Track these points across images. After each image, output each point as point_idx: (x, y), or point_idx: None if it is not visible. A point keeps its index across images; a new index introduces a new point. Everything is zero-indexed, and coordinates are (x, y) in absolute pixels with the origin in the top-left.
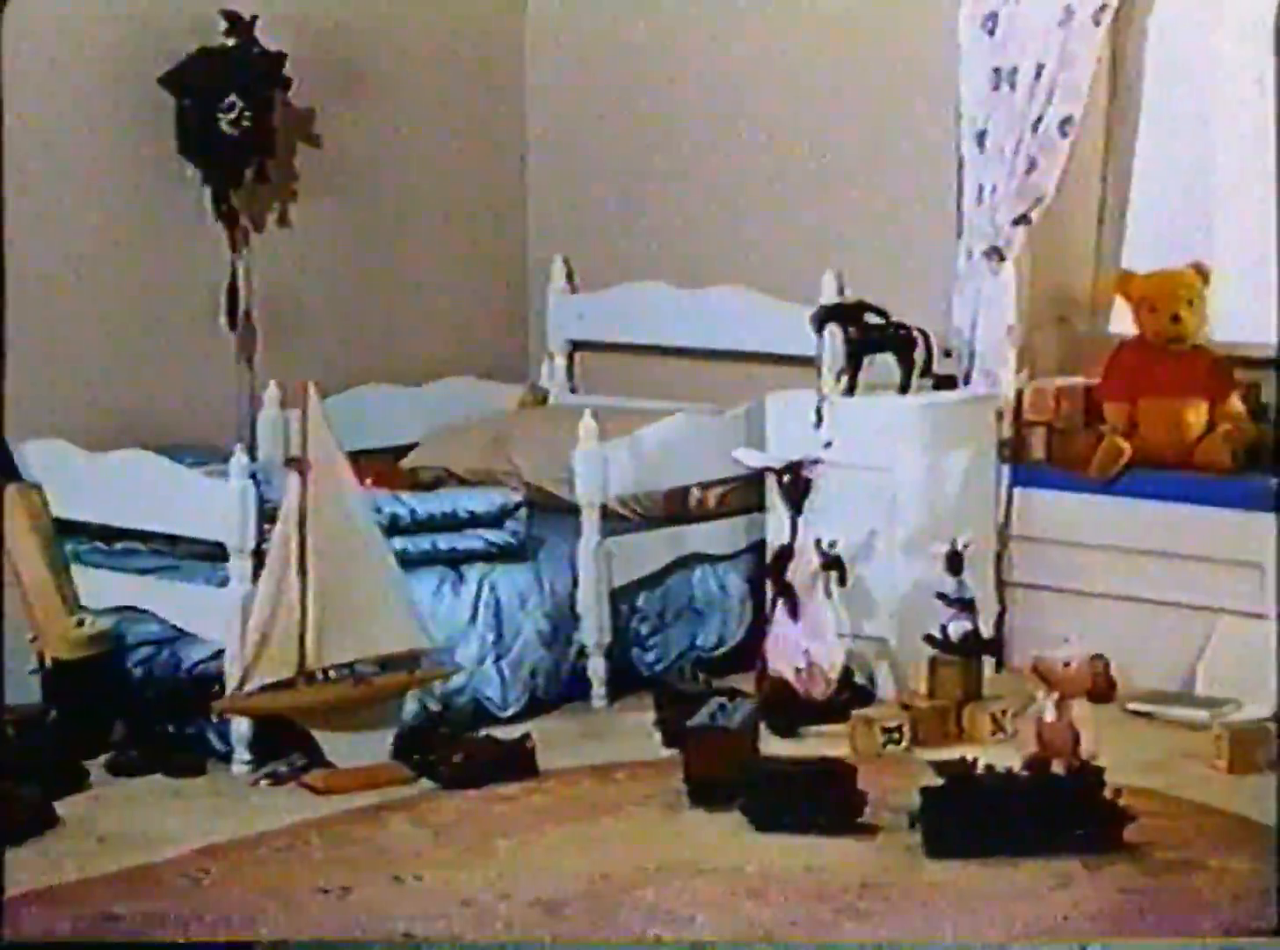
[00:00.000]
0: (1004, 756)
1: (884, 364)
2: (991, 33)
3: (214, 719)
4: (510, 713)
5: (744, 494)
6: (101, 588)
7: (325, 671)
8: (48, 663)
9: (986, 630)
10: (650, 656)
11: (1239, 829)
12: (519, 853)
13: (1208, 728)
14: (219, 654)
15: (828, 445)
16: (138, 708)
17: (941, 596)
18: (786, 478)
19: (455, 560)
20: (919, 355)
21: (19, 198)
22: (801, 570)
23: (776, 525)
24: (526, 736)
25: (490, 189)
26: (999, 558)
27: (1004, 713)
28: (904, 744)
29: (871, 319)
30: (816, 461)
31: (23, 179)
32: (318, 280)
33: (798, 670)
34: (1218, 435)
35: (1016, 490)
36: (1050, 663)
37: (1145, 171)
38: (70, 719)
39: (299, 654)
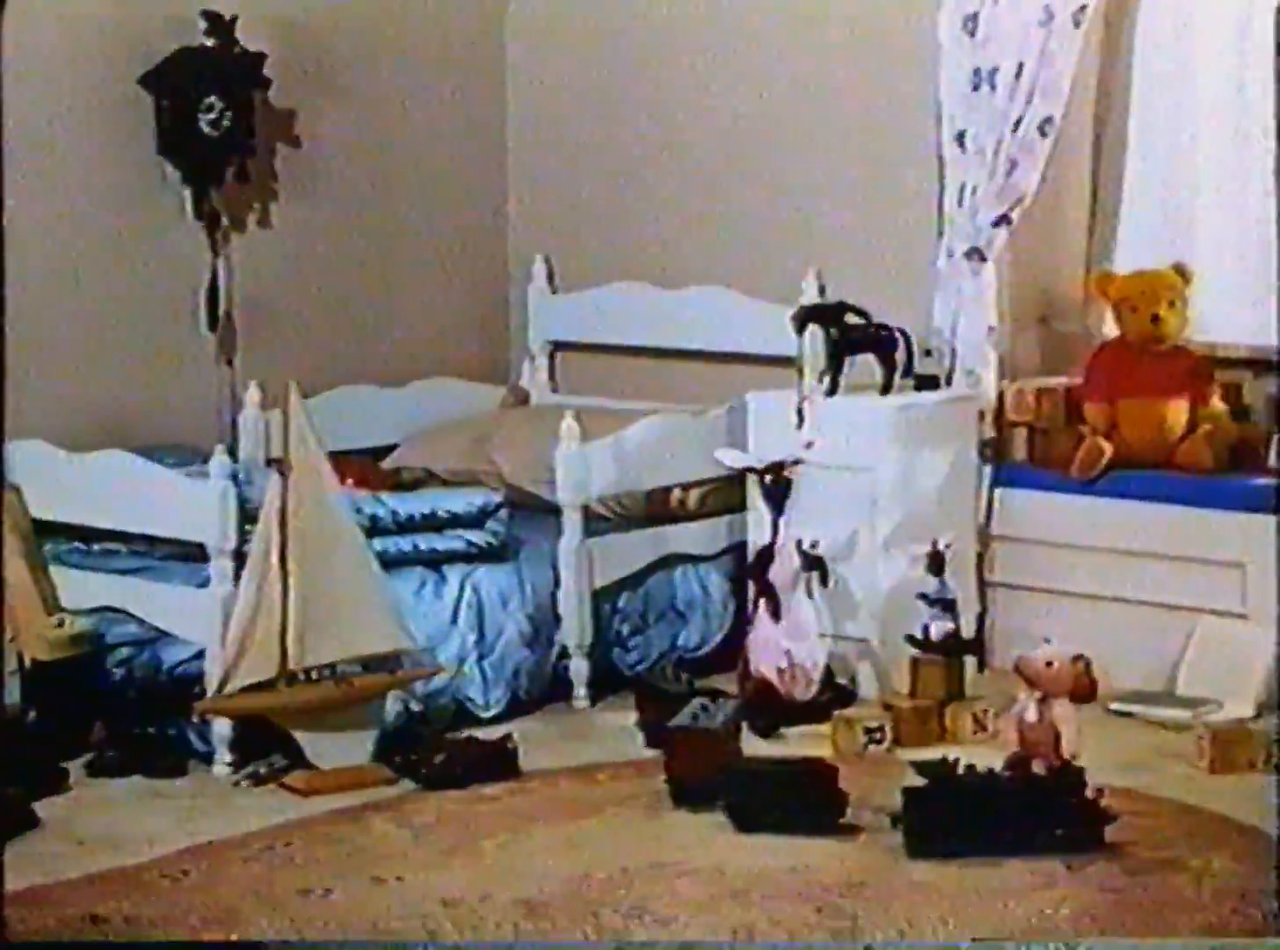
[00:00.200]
0: (986, 756)
1: (865, 364)
2: (972, 33)
3: (195, 720)
4: (492, 713)
5: (725, 494)
6: (81, 588)
7: (307, 672)
8: (27, 664)
9: (968, 630)
10: (632, 657)
11: (1220, 829)
12: (501, 853)
13: (1189, 728)
14: (200, 655)
15: (809, 446)
16: (118, 709)
17: (923, 597)
18: (768, 478)
19: (436, 561)
20: (900, 356)
21: None
22: (783, 570)
23: (758, 525)
24: (508, 737)
25: (471, 189)
26: (980, 558)
27: (986, 713)
28: (886, 744)
29: (852, 319)
30: (798, 462)
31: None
32: (299, 281)
33: (780, 670)
34: (1199, 435)
35: (998, 490)
36: (1032, 663)
37: (1135, 172)
38: (50, 720)
39: (280, 655)
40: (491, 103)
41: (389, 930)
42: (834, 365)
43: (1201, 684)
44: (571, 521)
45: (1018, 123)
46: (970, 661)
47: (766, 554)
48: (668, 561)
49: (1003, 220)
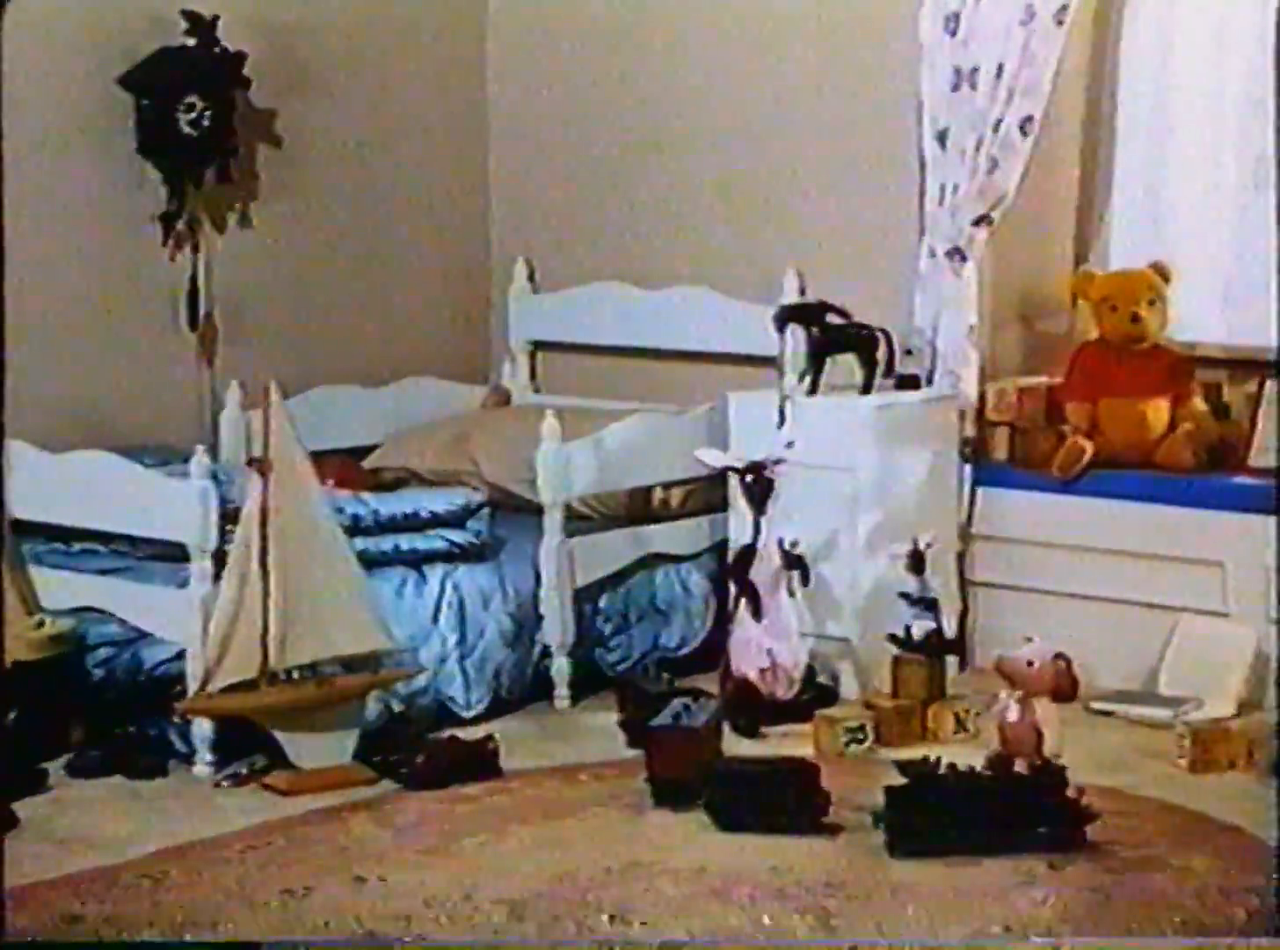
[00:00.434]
0: (967, 756)
1: (846, 364)
2: (953, 32)
3: (175, 720)
4: (473, 713)
5: (706, 494)
6: (62, 589)
7: (288, 672)
8: (6, 664)
9: (949, 630)
10: (613, 656)
11: (1201, 827)
12: (482, 853)
13: (1170, 726)
14: (180, 655)
15: (790, 445)
16: (98, 709)
17: (904, 596)
18: (749, 478)
19: (418, 560)
20: (881, 355)
21: None
22: (764, 570)
23: (739, 525)
24: (490, 737)
25: (452, 189)
26: (961, 557)
27: (967, 712)
28: (867, 743)
29: (833, 319)
30: (779, 461)
31: None
32: (280, 280)
33: (761, 670)
34: (1179, 435)
35: (979, 490)
36: (1013, 662)
37: (1121, 172)
38: (29, 720)
39: (261, 655)
40: (472, 103)
41: (370, 930)
42: (815, 365)
43: (1182, 683)
44: (553, 521)
45: (998, 122)
46: (951, 661)
47: (748, 553)
48: (649, 561)
49: (983, 220)
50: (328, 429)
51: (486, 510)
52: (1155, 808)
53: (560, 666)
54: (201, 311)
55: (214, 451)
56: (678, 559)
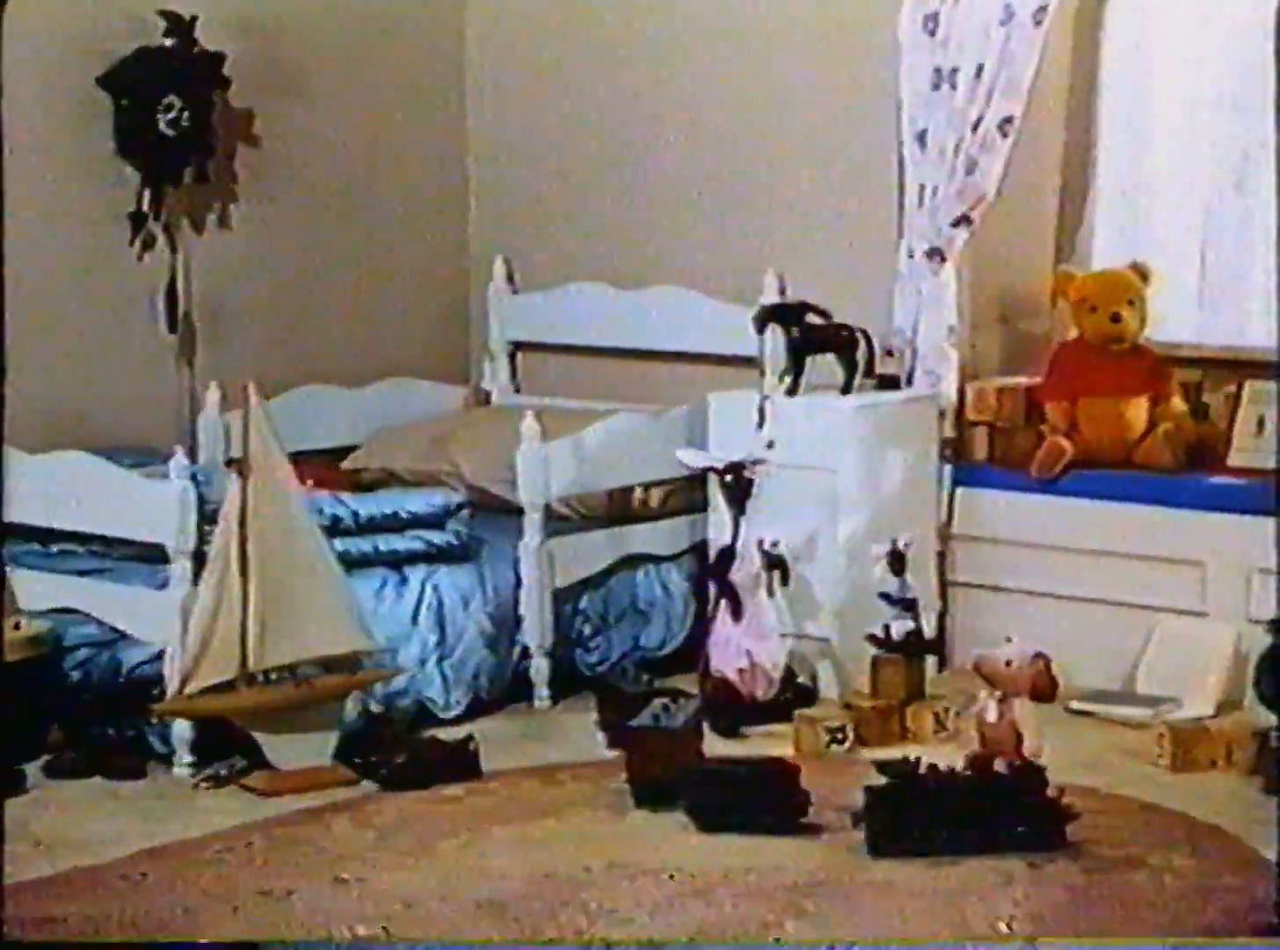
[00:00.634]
0: (947, 756)
1: (826, 364)
2: (932, 33)
3: (154, 721)
4: (453, 714)
5: (686, 494)
6: (40, 590)
7: (267, 673)
8: None
9: (929, 630)
10: (593, 657)
11: (1180, 827)
12: (462, 854)
13: (1149, 726)
14: (159, 656)
15: (770, 445)
16: (76, 710)
17: (884, 596)
18: (729, 478)
19: (397, 561)
20: (861, 355)
21: None
22: (744, 570)
23: (719, 525)
24: (469, 738)
25: (431, 189)
26: (941, 557)
27: (947, 712)
28: (847, 743)
29: (813, 319)
30: (759, 462)
31: None
32: (259, 281)
33: (741, 670)
34: (1158, 434)
35: (959, 490)
36: (992, 662)
37: (1103, 172)
38: (7, 722)
39: (240, 656)
40: (452, 103)
41: (350, 931)
42: (795, 365)
43: (1161, 682)
44: (532, 522)
45: (978, 122)
46: (931, 661)
47: (728, 554)
48: (629, 561)
49: (963, 220)
50: (307, 430)
51: (466, 511)
52: (1135, 807)
53: (540, 667)
54: (180, 312)
55: (193, 452)
56: (658, 559)
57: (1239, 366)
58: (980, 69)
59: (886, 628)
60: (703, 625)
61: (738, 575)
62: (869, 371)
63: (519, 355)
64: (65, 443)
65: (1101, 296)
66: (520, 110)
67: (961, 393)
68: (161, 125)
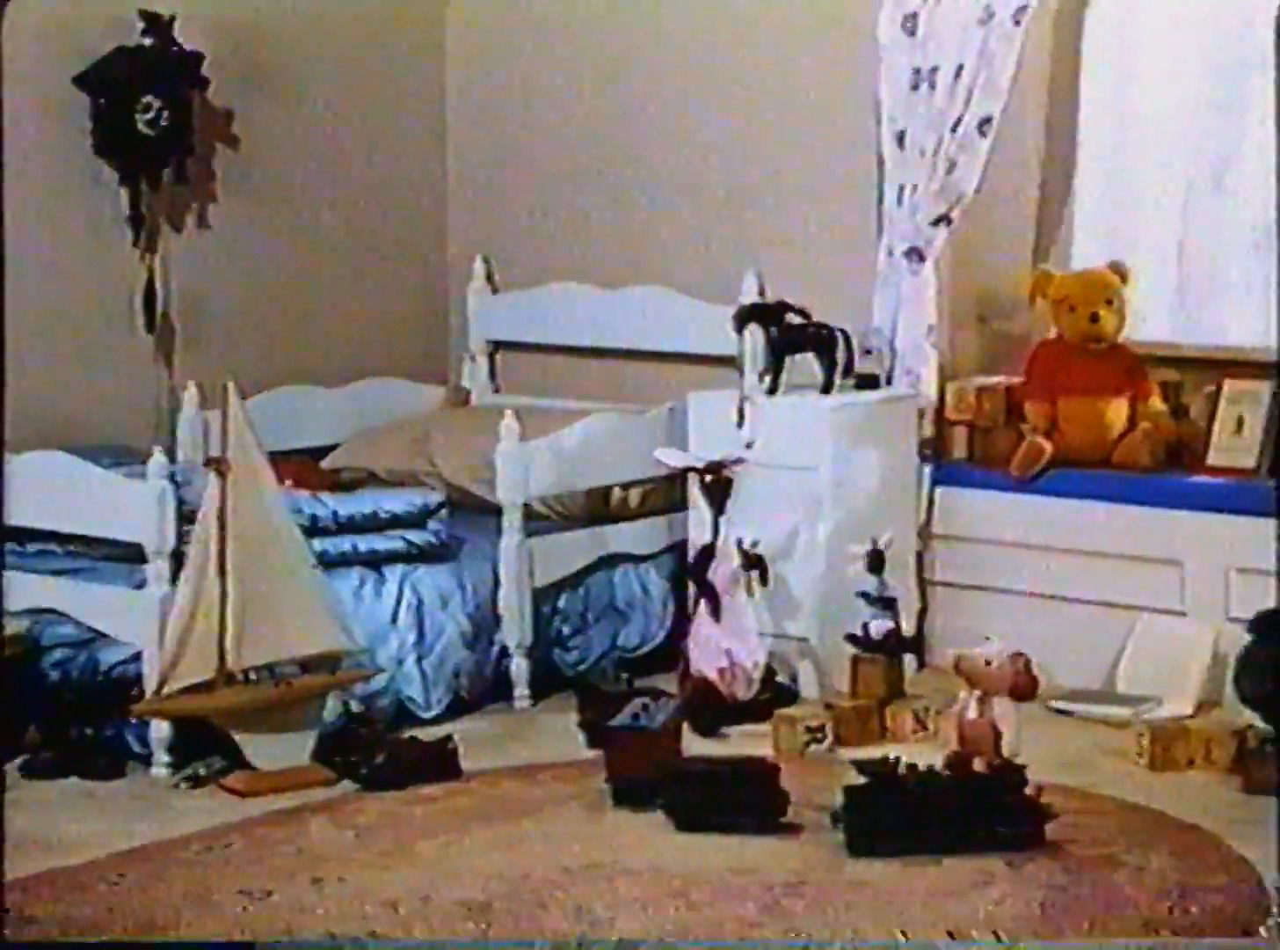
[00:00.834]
0: (926, 755)
1: (805, 364)
2: (911, 33)
3: (132, 721)
4: (432, 714)
5: (666, 494)
6: (17, 590)
7: (245, 673)
8: None
9: (908, 629)
10: (572, 657)
11: (1160, 826)
12: (441, 854)
13: (1128, 725)
14: (137, 656)
15: (749, 445)
16: (54, 710)
17: (863, 595)
18: (708, 477)
19: (376, 561)
20: (840, 355)
21: None
22: (723, 570)
23: (698, 525)
24: (449, 737)
25: (410, 189)
26: (920, 556)
27: (926, 711)
28: (826, 743)
29: (792, 319)
30: (738, 461)
31: None
32: (237, 281)
33: (720, 670)
34: (1137, 434)
35: (938, 489)
36: (972, 661)
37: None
38: None
39: (219, 656)
40: (431, 102)
41: (330, 932)
42: (774, 364)
43: (1141, 682)
44: (512, 521)
45: (957, 122)
46: (910, 660)
47: (707, 553)
48: (608, 561)
49: (942, 220)
50: (286, 429)
51: (445, 510)
52: (1114, 806)
53: (519, 666)
54: (158, 312)
55: (172, 452)
56: (637, 559)
57: (1217, 366)
58: (960, 69)
59: (866, 627)
60: (682, 625)
61: (717, 575)
62: (848, 371)
63: (498, 355)
64: (43, 442)
65: (1080, 296)
66: (500, 109)
67: (941, 392)
68: (140, 125)
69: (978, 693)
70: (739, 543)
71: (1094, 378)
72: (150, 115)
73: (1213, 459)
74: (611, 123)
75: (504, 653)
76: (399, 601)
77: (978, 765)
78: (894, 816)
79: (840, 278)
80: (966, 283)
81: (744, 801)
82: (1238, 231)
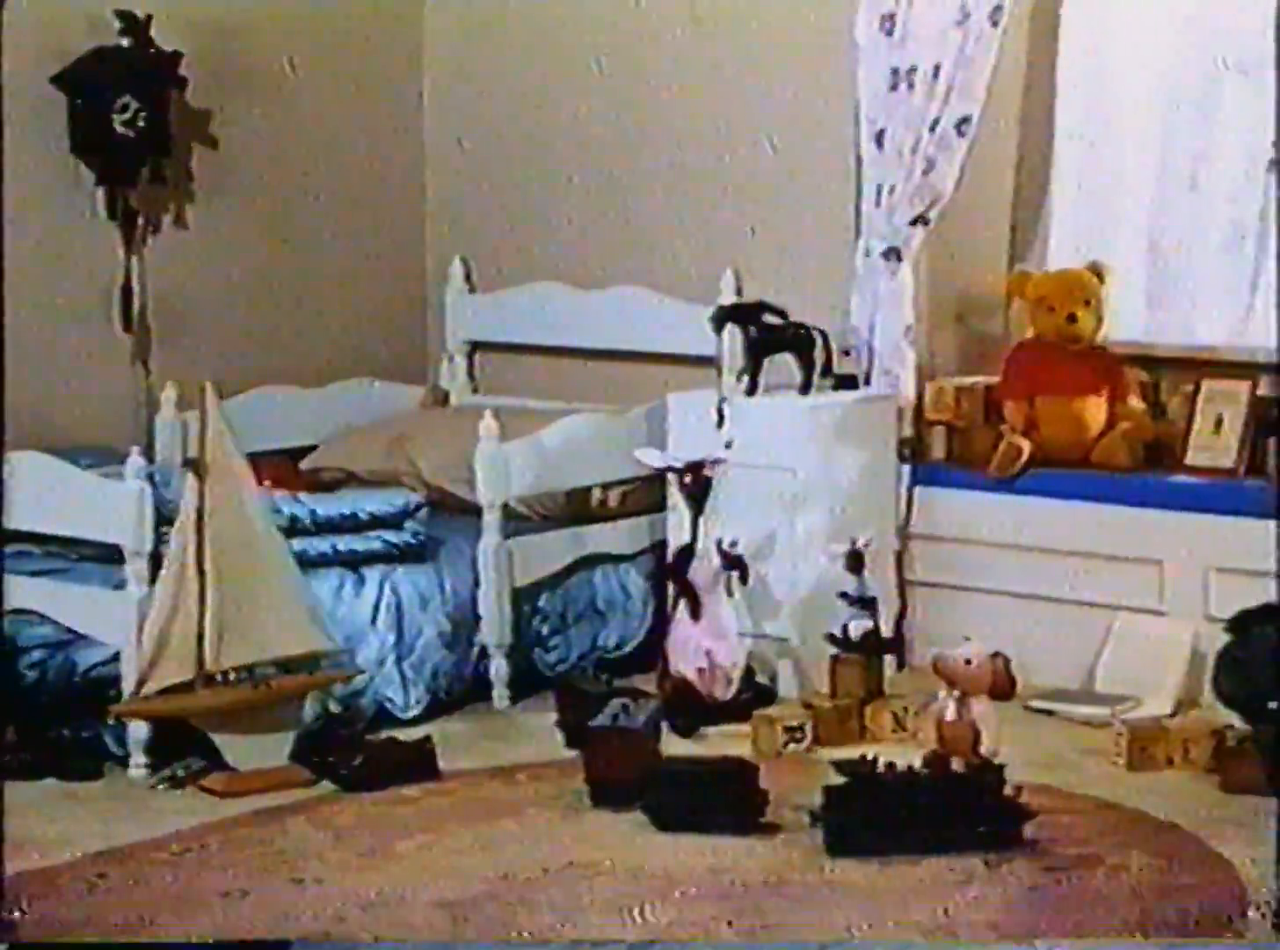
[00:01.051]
0: (905, 755)
1: (784, 364)
2: (889, 33)
3: (111, 723)
4: (411, 714)
5: (645, 494)
6: None
7: (224, 674)
8: None
9: (887, 629)
10: (552, 657)
11: (1138, 825)
12: (420, 854)
13: (1107, 725)
14: (116, 657)
15: (729, 445)
16: (32, 711)
17: (843, 595)
18: (688, 478)
19: (355, 562)
20: (818, 355)
21: None
22: (703, 570)
23: (678, 525)
24: (427, 738)
25: (388, 189)
26: (900, 556)
27: (905, 711)
28: (806, 743)
29: (771, 319)
30: (718, 461)
31: None
32: (216, 281)
33: (700, 670)
34: (1116, 434)
35: (917, 489)
36: (951, 661)
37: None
38: None
39: (197, 657)
40: (409, 103)
41: (308, 932)
42: (753, 365)
43: (1119, 681)
44: (491, 522)
45: (935, 122)
46: (890, 660)
47: (686, 553)
48: (588, 561)
49: (920, 220)
50: (265, 430)
51: (425, 511)
52: (1092, 806)
53: (499, 667)
54: (135, 313)
55: (150, 453)
56: (616, 559)
57: (1191, 366)
58: (937, 69)
59: (845, 627)
60: (662, 625)
61: (697, 575)
62: (827, 371)
63: (477, 355)
64: (21, 443)
65: (1059, 296)
66: (479, 110)
67: (920, 392)
68: (117, 125)
69: (957, 693)
70: (718, 543)
71: (1072, 377)
72: (127, 115)
73: (1191, 458)
74: (590, 124)
75: (483, 653)
76: (378, 602)
77: (956, 765)
78: (873, 816)
79: (818, 278)
80: (945, 283)
81: (723, 802)
82: (1212, 231)
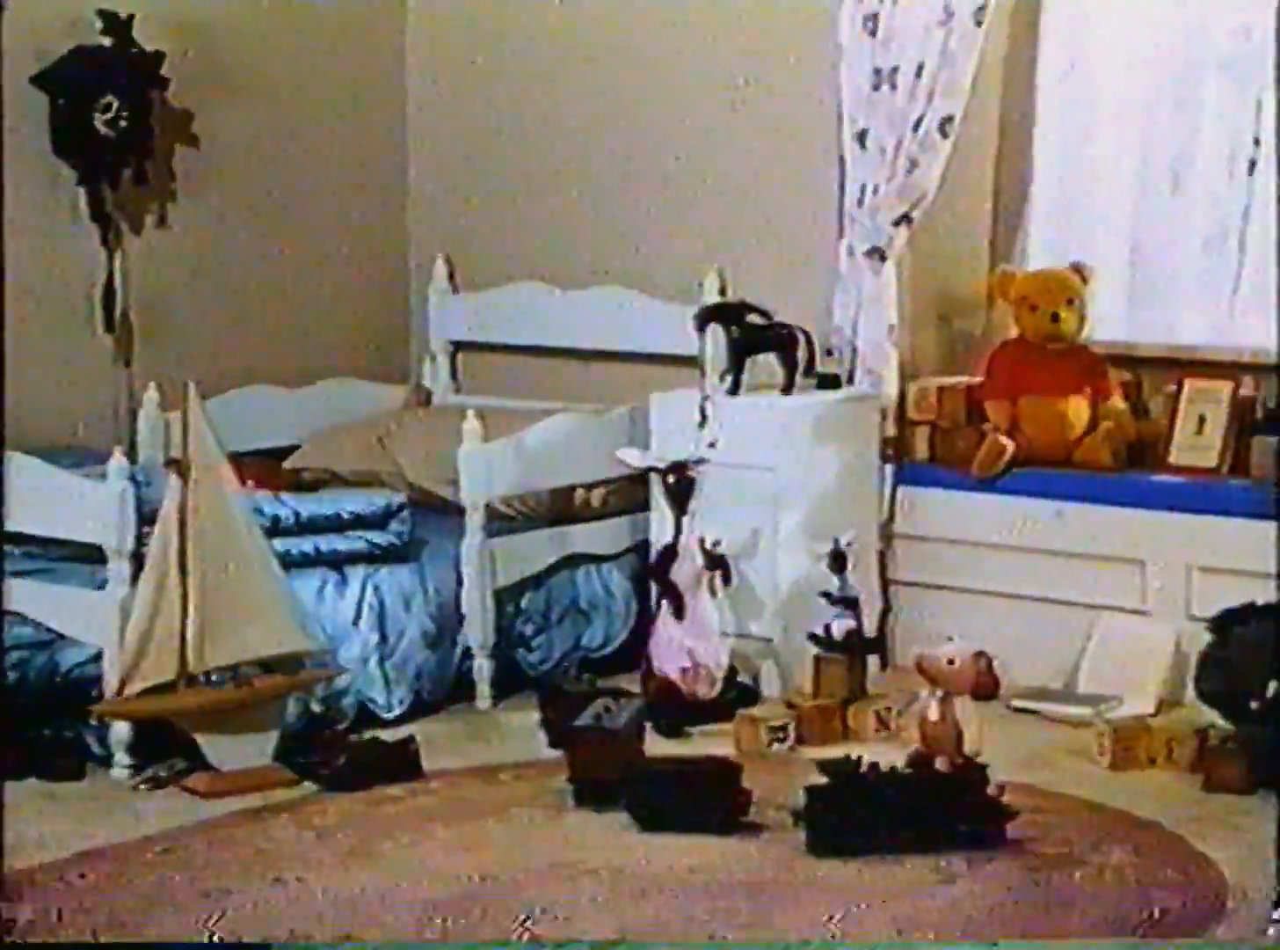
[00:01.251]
0: (888, 754)
1: (767, 364)
2: (872, 33)
3: (93, 723)
4: (394, 714)
5: (628, 494)
6: None
7: (207, 674)
8: None
9: (870, 628)
10: (535, 657)
11: (1121, 824)
12: (403, 854)
13: (1090, 724)
14: (97, 657)
15: (712, 445)
16: (13, 712)
17: (826, 595)
18: (671, 477)
19: (338, 562)
20: (801, 355)
21: None
22: (686, 570)
23: (661, 525)
24: (411, 738)
25: (371, 189)
26: (883, 556)
27: (888, 711)
28: (789, 743)
29: (754, 319)
30: (700, 461)
31: None
32: (198, 281)
33: (683, 670)
34: (1098, 433)
35: (900, 489)
36: (934, 660)
37: (1039, 171)
38: None
39: (180, 657)
40: (392, 102)
41: (290, 932)
42: (735, 364)
43: (1102, 681)
44: (474, 521)
45: (918, 122)
46: (873, 660)
47: (669, 553)
48: (570, 561)
49: (903, 219)
50: (248, 430)
51: (407, 511)
52: (1075, 805)
53: (482, 667)
54: (118, 313)
55: (132, 453)
56: (599, 559)
57: (1177, 365)
58: (920, 69)
59: (828, 627)
60: (645, 625)
61: (679, 575)
62: (809, 371)
63: (460, 355)
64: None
65: (1041, 296)
66: (460, 110)
67: (902, 392)
68: (99, 125)
69: (940, 692)
70: (701, 542)
71: (1055, 377)
72: (109, 115)
73: (1174, 458)
74: (573, 123)
75: (466, 653)
76: (361, 602)
77: (940, 764)
78: (856, 816)
79: (801, 278)
80: (928, 283)
81: (706, 801)
82: (1194, 230)
